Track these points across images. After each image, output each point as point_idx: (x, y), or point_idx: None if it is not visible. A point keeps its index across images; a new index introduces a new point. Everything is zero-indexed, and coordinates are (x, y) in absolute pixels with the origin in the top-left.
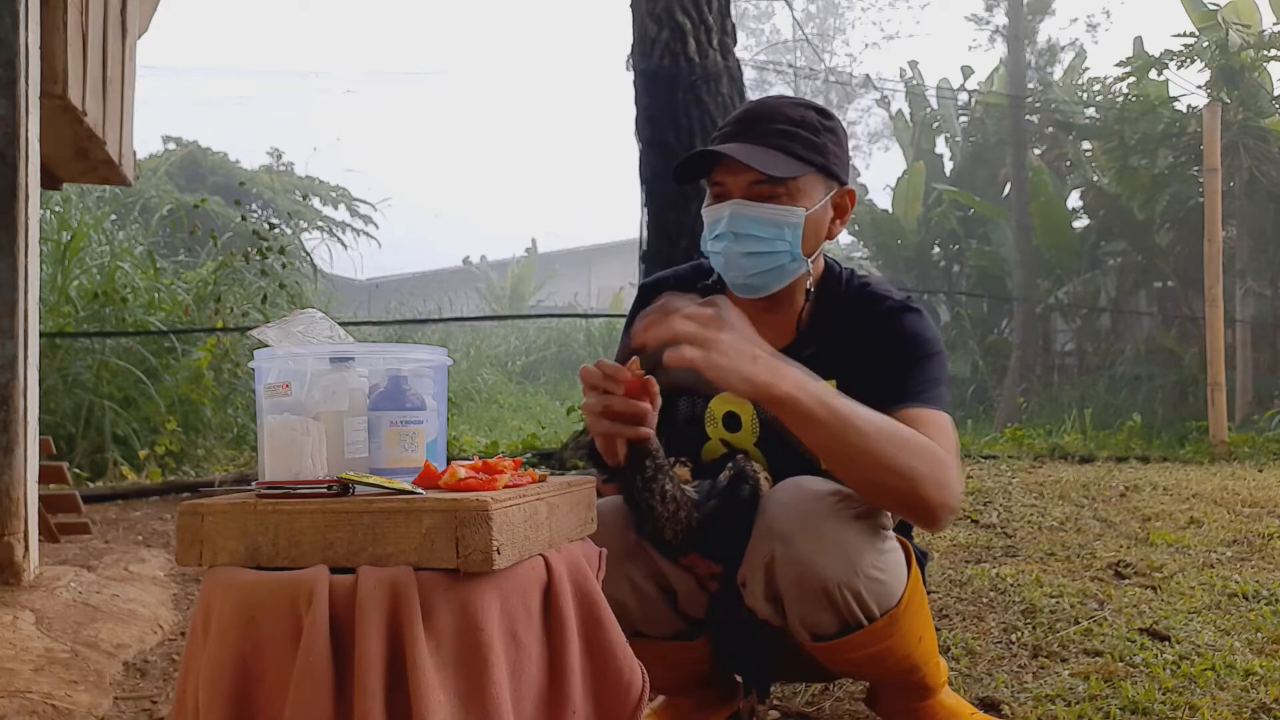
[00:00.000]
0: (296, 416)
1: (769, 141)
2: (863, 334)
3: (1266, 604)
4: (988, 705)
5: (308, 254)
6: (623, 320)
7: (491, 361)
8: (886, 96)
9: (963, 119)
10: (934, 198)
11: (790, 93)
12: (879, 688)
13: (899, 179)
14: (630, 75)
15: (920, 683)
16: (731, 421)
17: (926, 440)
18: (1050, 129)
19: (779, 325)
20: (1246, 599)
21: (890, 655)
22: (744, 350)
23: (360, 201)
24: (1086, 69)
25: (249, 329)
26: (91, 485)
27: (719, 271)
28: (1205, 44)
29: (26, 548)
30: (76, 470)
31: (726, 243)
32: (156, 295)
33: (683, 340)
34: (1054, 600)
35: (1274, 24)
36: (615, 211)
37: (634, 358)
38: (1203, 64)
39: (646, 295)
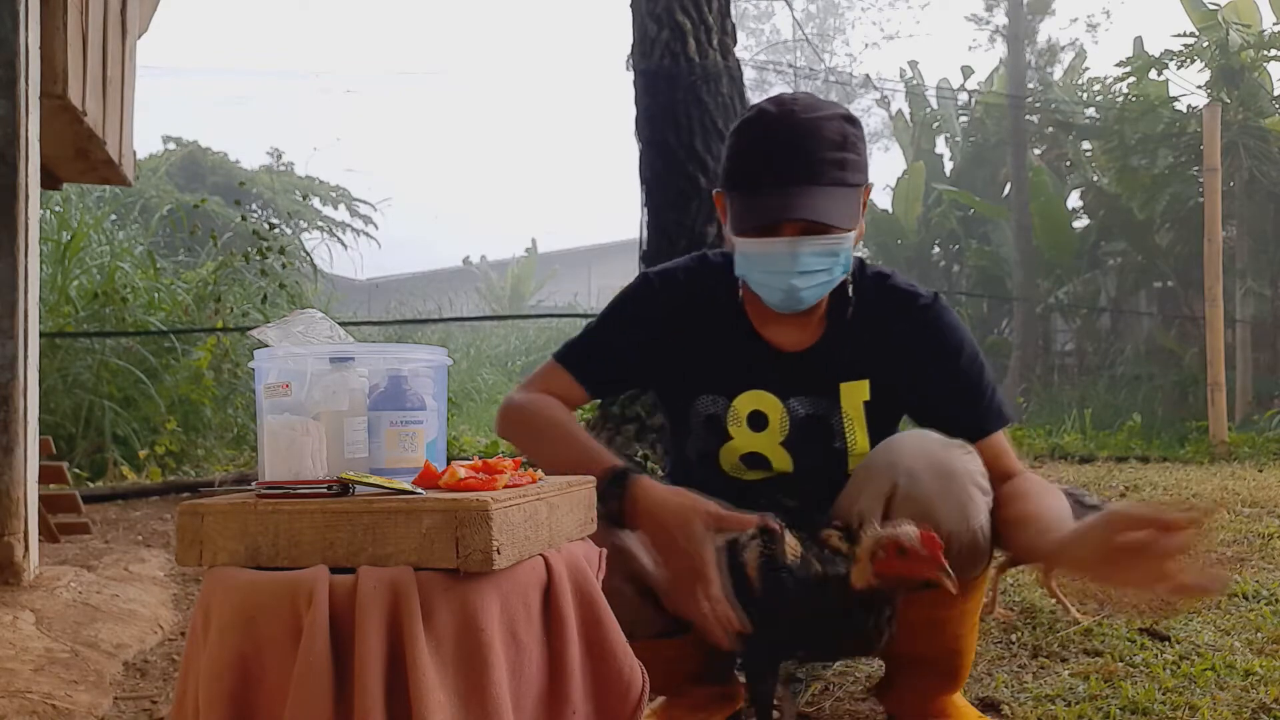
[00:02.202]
0: (296, 416)
1: (824, 178)
2: (893, 331)
3: (1266, 604)
4: (988, 705)
5: (308, 254)
6: None
7: (491, 361)
8: (886, 96)
9: (963, 119)
10: (934, 198)
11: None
12: (897, 674)
13: (899, 179)
14: (630, 75)
15: (955, 669)
16: (757, 421)
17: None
18: (1050, 129)
19: (805, 324)
20: (1246, 599)
21: (961, 620)
22: None
23: (360, 201)
24: (1086, 69)
25: (249, 329)
26: (91, 485)
27: (767, 300)
28: (1205, 44)
29: (26, 548)
30: (76, 470)
31: (787, 279)
32: (156, 295)
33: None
34: (1054, 600)
35: (1274, 24)
36: (615, 211)
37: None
38: (1203, 64)
39: (650, 286)
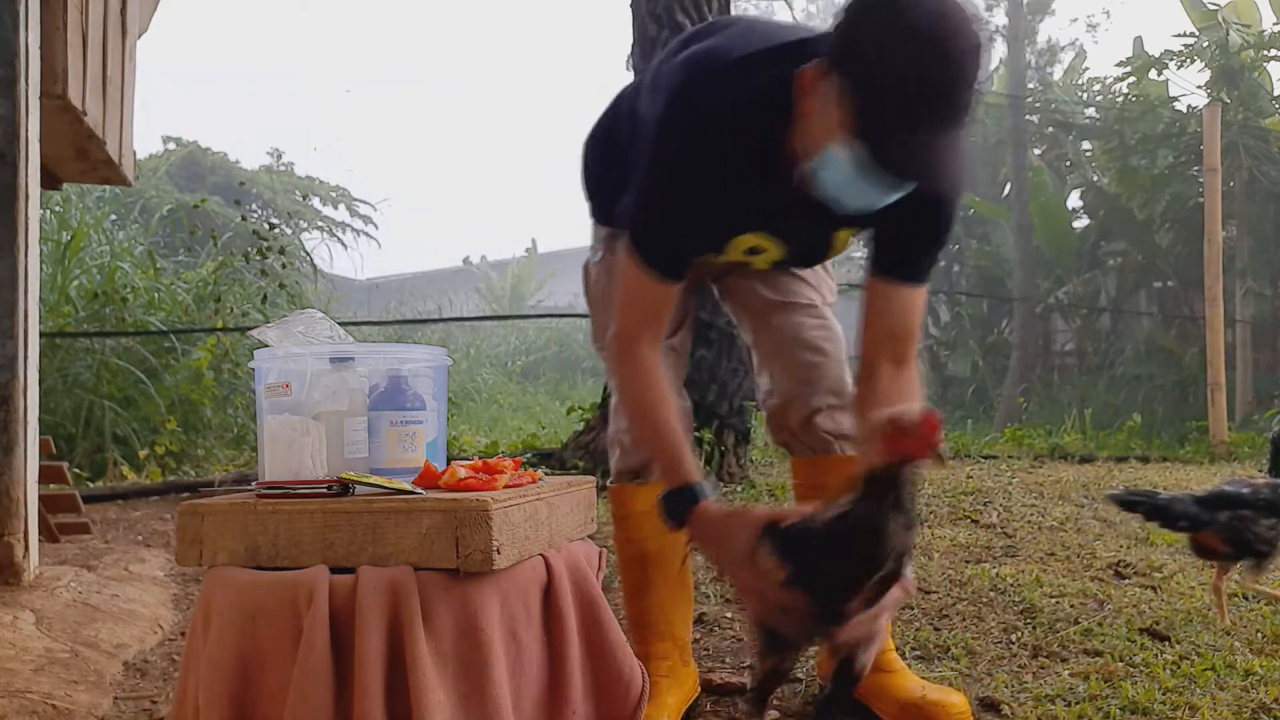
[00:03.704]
0: (296, 416)
1: (960, 120)
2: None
3: (1266, 604)
4: (988, 705)
5: (308, 254)
6: None
7: (491, 361)
8: None
9: None
10: None
11: None
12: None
13: None
14: (630, 75)
15: None
16: (754, 250)
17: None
18: (1050, 129)
19: None
20: (1246, 599)
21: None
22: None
23: (360, 201)
24: (1086, 69)
25: (249, 329)
26: (91, 485)
27: (831, 200)
28: (1205, 44)
29: (26, 548)
30: (76, 470)
31: (870, 199)
32: (156, 295)
33: None
34: (1054, 600)
35: (1274, 24)
36: None
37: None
38: (1203, 64)
39: (704, 138)
